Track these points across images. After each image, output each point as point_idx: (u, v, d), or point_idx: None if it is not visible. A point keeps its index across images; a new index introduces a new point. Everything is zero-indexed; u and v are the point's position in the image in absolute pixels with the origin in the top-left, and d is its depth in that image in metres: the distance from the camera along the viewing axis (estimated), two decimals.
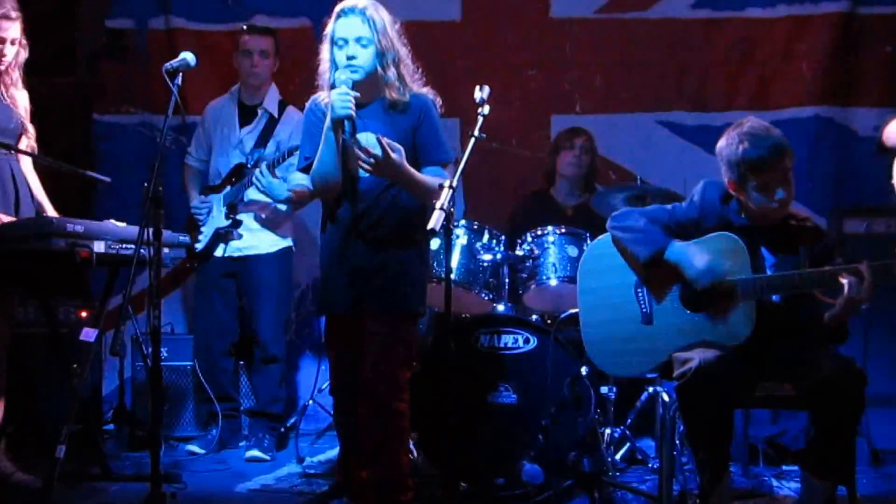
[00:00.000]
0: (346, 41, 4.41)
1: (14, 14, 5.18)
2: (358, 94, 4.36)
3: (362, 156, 4.27)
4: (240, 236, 6.14)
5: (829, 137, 6.77)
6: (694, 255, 4.38)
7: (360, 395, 4.58)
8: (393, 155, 4.27)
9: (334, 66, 4.47)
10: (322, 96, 4.57)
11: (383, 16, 4.47)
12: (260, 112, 6.30)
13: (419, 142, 4.53)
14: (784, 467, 5.69)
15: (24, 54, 5.28)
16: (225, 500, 5.34)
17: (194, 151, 6.46)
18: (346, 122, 4.35)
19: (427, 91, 4.62)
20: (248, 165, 6.12)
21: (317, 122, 4.56)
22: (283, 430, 6.44)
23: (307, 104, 4.70)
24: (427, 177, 4.46)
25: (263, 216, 6.23)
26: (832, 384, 4.16)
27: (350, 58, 4.40)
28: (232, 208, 6.12)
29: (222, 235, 6.10)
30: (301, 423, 6.41)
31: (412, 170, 4.40)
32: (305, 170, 4.64)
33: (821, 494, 4.28)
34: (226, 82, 6.56)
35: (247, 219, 6.20)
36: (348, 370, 4.66)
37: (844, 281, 4.17)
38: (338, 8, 4.47)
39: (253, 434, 6.33)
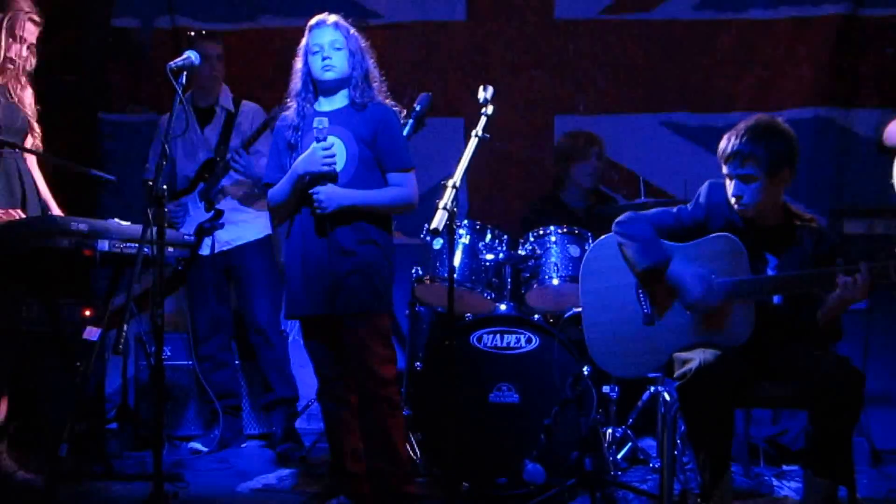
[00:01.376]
0: (321, 47, 4.69)
1: (39, 19, 5.26)
2: (335, 146, 4.65)
3: (319, 202, 4.58)
4: (222, 225, 6.18)
5: (829, 139, 6.75)
6: (690, 282, 4.41)
7: (349, 391, 4.73)
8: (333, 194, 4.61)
9: (306, 72, 4.75)
10: (290, 115, 4.82)
11: (352, 30, 4.78)
12: (217, 110, 6.45)
13: (380, 150, 4.72)
14: (784, 467, 5.72)
15: (33, 60, 5.35)
16: (227, 499, 5.36)
17: (153, 166, 6.50)
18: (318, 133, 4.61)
19: (389, 102, 4.83)
20: (217, 159, 6.26)
21: (285, 139, 4.81)
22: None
23: (276, 123, 4.94)
24: (381, 192, 4.71)
25: (244, 197, 6.35)
26: (830, 383, 4.19)
27: (325, 58, 4.67)
28: (210, 201, 6.19)
29: (207, 230, 6.14)
30: (303, 421, 6.47)
31: (359, 194, 4.65)
32: (270, 185, 4.84)
33: (822, 493, 4.29)
34: (232, 81, 6.59)
35: (228, 210, 6.27)
36: (331, 369, 4.78)
37: (840, 280, 4.20)
38: (310, 23, 4.77)
39: (278, 426, 6.38)
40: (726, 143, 4.41)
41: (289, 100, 4.84)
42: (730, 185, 4.43)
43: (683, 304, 4.42)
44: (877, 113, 6.34)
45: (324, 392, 4.87)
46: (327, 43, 4.66)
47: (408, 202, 4.72)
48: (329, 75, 4.66)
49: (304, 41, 4.76)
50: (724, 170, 4.44)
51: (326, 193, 4.56)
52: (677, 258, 4.48)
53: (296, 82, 4.79)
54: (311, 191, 4.58)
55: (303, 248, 4.69)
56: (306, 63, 4.73)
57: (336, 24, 4.71)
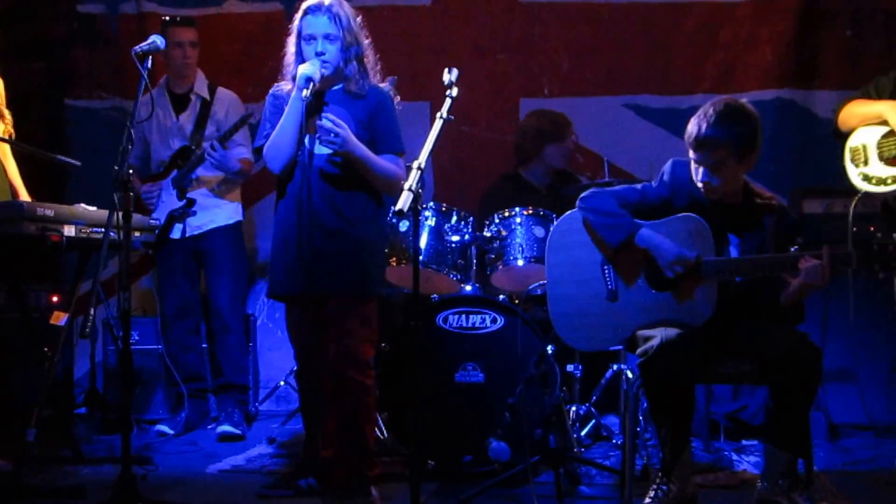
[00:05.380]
0: (314, 38, 4.61)
1: None
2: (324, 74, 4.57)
3: (326, 127, 4.48)
4: (194, 213, 6.19)
5: (790, 120, 6.83)
6: (663, 243, 4.45)
7: (326, 374, 4.69)
8: (347, 131, 4.51)
9: (300, 59, 4.66)
10: (285, 87, 4.74)
11: (347, 11, 4.68)
12: (193, 97, 6.46)
13: (376, 131, 4.72)
14: (744, 442, 5.79)
15: None
16: (196, 481, 5.35)
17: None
18: (307, 85, 4.49)
19: (386, 84, 4.81)
20: (193, 147, 6.26)
21: (279, 107, 4.70)
22: (255, 410, 6.53)
23: (270, 91, 4.84)
24: (379, 158, 4.67)
25: (217, 189, 6.37)
26: (789, 360, 4.26)
27: (319, 53, 4.60)
28: (182, 190, 6.19)
29: (177, 217, 6.14)
30: (272, 403, 6.51)
31: (366, 149, 4.61)
32: (260, 149, 4.77)
33: (781, 466, 4.38)
34: (199, 67, 6.57)
35: (201, 197, 6.28)
36: (312, 353, 4.76)
37: (802, 266, 4.25)
38: (305, 4, 4.66)
39: (222, 409, 6.41)
40: (695, 129, 4.42)
41: (284, 74, 4.79)
42: (697, 170, 4.47)
43: (659, 264, 4.46)
44: (836, 94, 6.39)
45: (302, 374, 4.89)
46: (321, 35, 4.60)
47: (397, 179, 4.65)
48: (324, 72, 4.58)
49: (297, 22, 4.68)
50: (692, 155, 4.47)
51: (336, 122, 4.50)
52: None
53: (288, 62, 4.74)
54: (321, 117, 4.52)
55: (292, 222, 4.65)
56: (300, 48, 4.67)
57: (331, 13, 4.60)
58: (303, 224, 4.61)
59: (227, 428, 6.23)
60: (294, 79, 4.62)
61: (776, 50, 6.90)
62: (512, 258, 5.63)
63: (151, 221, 5.66)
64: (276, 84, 4.84)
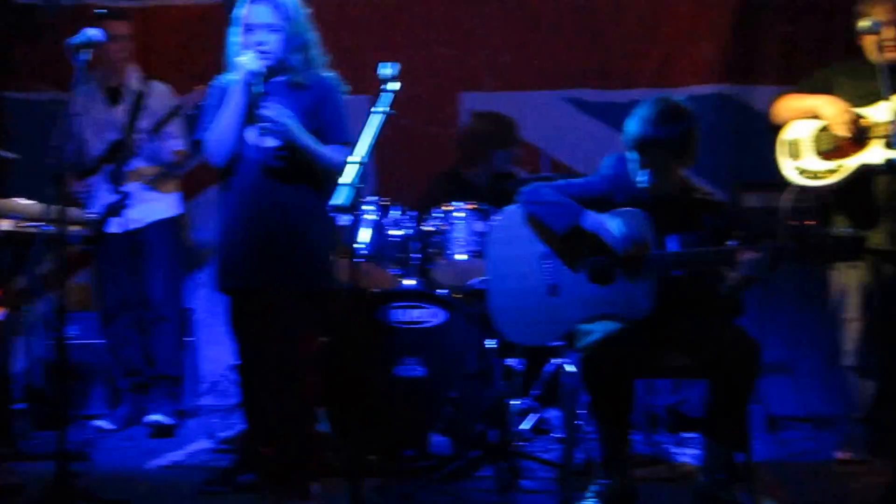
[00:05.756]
0: (256, 27, 4.54)
1: None
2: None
3: (270, 116, 4.44)
4: (131, 206, 6.14)
5: (730, 115, 6.84)
6: (612, 222, 4.46)
7: (268, 369, 4.64)
8: (291, 120, 4.47)
9: (242, 49, 4.58)
10: (229, 77, 4.65)
11: (292, 1, 4.60)
12: (127, 90, 6.41)
13: (322, 121, 4.63)
14: (683, 434, 5.80)
15: None
16: (134, 477, 5.33)
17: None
18: (251, 79, 4.46)
19: (333, 74, 4.74)
20: (126, 140, 6.22)
21: (220, 97, 4.63)
22: (194, 406, 6.54)
23: (212, 82, 4.78)
24: (328, 149, 4.59)
25: (153, 182, 6.32)
26: (727, 354, 4.31)
27: (260, 44, 4.53)
28: (117, 183, 6.15)
29: (113, 211, 6.09)
30: (212, 398, 6.52)
31: (312, 139, 4.55)
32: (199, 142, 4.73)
33: (719, 459, 4.41)
34: (136, 60, 6.53)
35: (137, 190, 6.24)
36: (255, 347, 4.70)
37: (742, 259, 4.29)
38: None
39: (153, 399, 6.40)
40: (635, 130, 4.45)
41: (226, 69, 4.70)
42: (637, 169, 4.50)
43: (609, 243, 4.46)
44: (775, 89, 6.38)
45: (244, 369, 4.81)
46: (263, 25, 4.54)
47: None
48: (264, 62, 4.53)
49: (239, 11, 4.61)
50: (632, 155, 4.50)
51: (278, 109, 4.46)
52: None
53: (232, 55, 4.64)
54: (264, 107, 4.48)
55: (237, 216, 4.62)
56: (242, 38, 4.59)
57: (273, 3, 4.55)
58: (248, 218, 4.58)
59: (157, 417, 6.24)
60: (237, 70, 4.56)
61: (716, 45, 6.91)
62: (453, 252, 5.62)
63: (88, 215, 5.60)
64: (218, 75, 4.76)
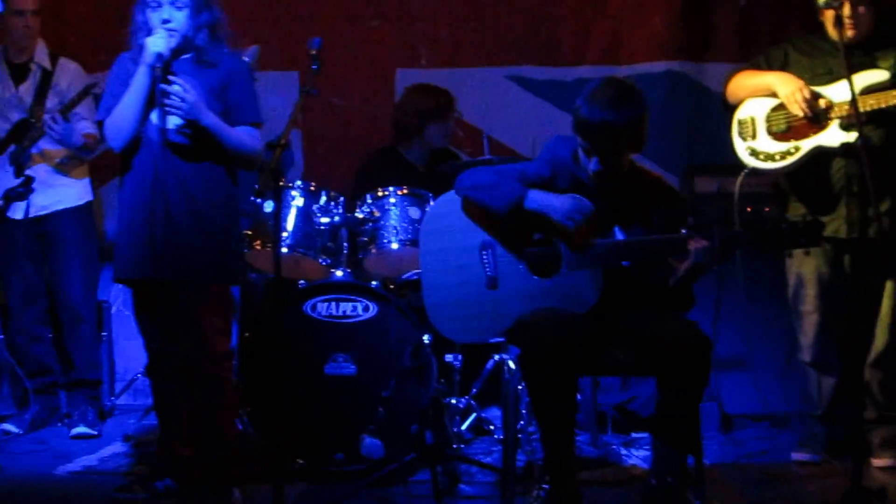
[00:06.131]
0: (160, 4, 4.49)
1: None
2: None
3: (175, 93, 4.36)
4: (33, 191, 5.81)
5: (682, 93, 6.75)
6: (556, 198, 4.33)
7: (178, 367, 4.58)
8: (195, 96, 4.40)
9: (146, 27, 4.51)
10: (132, 56, 4.58)
11: None
12: (33, 67, 6.18)
13: (230, 101, 4.57)
14: (633, 434, 5.76)
15: None
16: (44, 484, 5.16)
17: None
18: (158, 62, 4.39)
19: (246, 52, 4.81)
20: (32, 120, 5.97)
21: (123, 77, 4.55)
22: (110, 405, 6.33)
23: (115, 62, 4.69)
24: (235, 130, 4.53)
25: (61, 166, 6.10)
26: (677, 350, 4.15)
27: (165, 21, 4.48)
28: (20, 166, 5.88)
29: (14, 196, 5.79)
30: (128, 398, 6.35)
31: (218, 118, 4.48)
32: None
33: (669, 461, 4.26)
34: (47, 36, 6.28)
35: (43, 174, 5.99)
36: (162, 343, 4.63)
37: (691, 247, 4.15)
38: None
39: (75, 408, 6.16)
40: (587, 114, 4.23)
41: (130, 47, 4.59)
42: (588, 157, 4.32)
43: (556, 220, 4.31)
44: (729, 66, 6.25)
45: (153, 367, 4.73)
46: (167, 1, 4.46)
47: (254, 153, 4.55)
48: (170, 42, 4.43)
49: None
50: (582, 142, 4.31)
51: (185, 87, 4.36)
52: None
53: (136, 32, 4.55)
54: (168, 82, 4.37)
55: (139, 202, 4.49)
56: (146, 15, 4.51)
57: None
58: (151, 204, 4.45)
59: (82, 429, 6.01)
60: (142, 49, 4.44)
61: (667, 20, 6.76)
62: (386, 241, 5.49)
63: None
64: (122, 53, 4.64)
